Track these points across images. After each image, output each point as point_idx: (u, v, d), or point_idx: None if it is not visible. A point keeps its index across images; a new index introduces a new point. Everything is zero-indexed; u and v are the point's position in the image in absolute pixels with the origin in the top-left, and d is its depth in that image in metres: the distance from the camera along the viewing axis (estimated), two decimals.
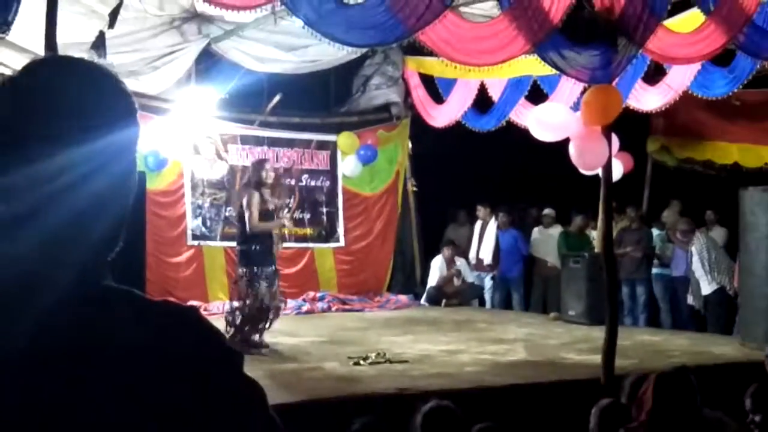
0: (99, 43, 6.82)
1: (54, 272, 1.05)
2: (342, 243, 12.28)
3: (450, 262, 12.05)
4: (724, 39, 6.80)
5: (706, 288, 10.16)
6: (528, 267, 12.33)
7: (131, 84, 5.50)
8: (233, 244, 11.26)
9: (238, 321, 7.37)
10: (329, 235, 12.18)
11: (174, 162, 10.69)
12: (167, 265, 10.88)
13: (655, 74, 9.28)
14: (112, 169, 1.10)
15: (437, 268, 12.18)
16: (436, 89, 11.53)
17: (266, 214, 7.88)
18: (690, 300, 10.50)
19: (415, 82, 12.02)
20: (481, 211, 12.23)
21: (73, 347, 1.04)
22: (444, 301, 11.91)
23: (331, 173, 12.26)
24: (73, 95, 1.09)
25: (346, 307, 11.53)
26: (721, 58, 8.03)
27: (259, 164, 8.25)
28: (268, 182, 7.96)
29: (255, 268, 7.68)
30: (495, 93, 10.53)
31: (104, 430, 1.03)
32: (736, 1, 6.64)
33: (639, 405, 3.93)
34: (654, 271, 11.16)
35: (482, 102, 10.81)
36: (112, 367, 1.04)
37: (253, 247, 7.77)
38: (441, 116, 11.45)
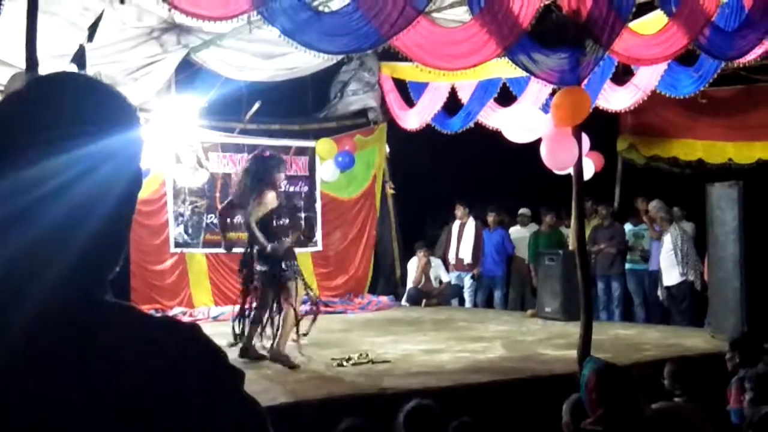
0: (79, 56, 6.87)
1: (35, 281, 1.04)
2: (320, 247, 12.39)
3: (423, 264, 12.23)
4: (686, 40, 6.95)
5: (671, 279, 10.33)
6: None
7: None
8: (216, 250, 11.38)
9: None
10: (307, 239, 12.27)
11: (156, 171, 10.77)
12: (151, 273, 10.95)
13: (623, 75, 9.47)
14: (96, 176, 1.08)
15: (413, 269, 12.37)
16: (409, 93, 11.67)
17: (268, 221, 7.14)
18: (659, 292, 10.72)
19: (388, 87, 12.17)
20: (459, 210, 12.33)
21: (56, 360, 1.02)
22: (424, 301, 12.07)
23: (310, 179, 12.36)
24: (60, 105, 1.10)
25: (329, 309, 11.61)
26: (687, 58, 8.22)
27: (276, 162, 7.36)
28: (278, 185, 7.34)
29: (283, 264, 7.06)
30: (465, 96, 10.68)
31: None
32: (697, 2, 6.82)
33: (589, 400, 4.05)
34: (627, 266, 11.32)
35: (453, 105, 10.95)
36: (101, 382, 1.02)
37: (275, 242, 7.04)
38: (412, 119, 11.60)
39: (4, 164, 1.07)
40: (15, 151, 1.07)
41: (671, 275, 10.31)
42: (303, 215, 12.09)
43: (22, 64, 5.65)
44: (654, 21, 7.45)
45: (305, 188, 12.30)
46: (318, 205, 12.44)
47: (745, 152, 11.84)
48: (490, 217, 12.38)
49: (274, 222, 7.23)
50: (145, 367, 1.05)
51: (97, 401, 1.01)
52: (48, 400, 1.01)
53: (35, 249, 1.06)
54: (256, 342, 7.31)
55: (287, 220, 11.85)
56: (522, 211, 12.49)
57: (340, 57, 9.51)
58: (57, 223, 1.06)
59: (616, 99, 9.63)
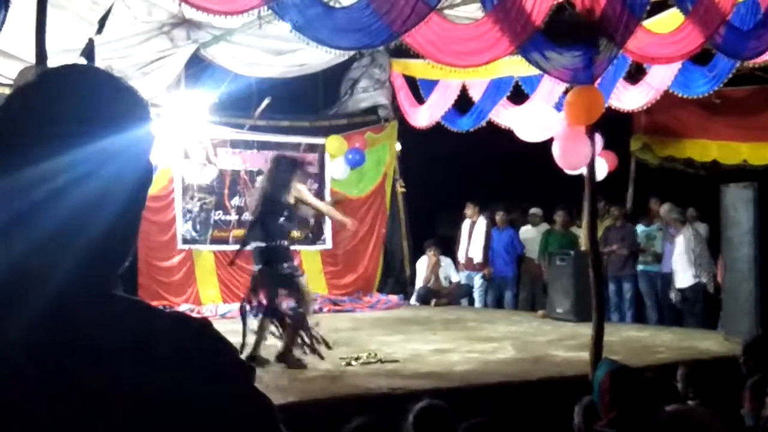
0: (88, 50, 6.85)
1: (45, 276, 1.04)
2: (329, 245, 12.36)
3: (433, 263, 12.19)
4: (702, 39, 6.89)
5: (684, 281, 10.30)
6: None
7: None
8: (223, 247, 11.37)
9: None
10: (316, 237, 12.25)
11: (164, 167, 10.76)
12: (158, 270, 10.96)
13: (636, 74, 9.39)
14: (105, 172, 1.07)
15: (423, 268, 12.34)
16: (420, 91, 11.63)
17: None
18: (671, 294, 10.65)
19: (399, 84, 12.13)
20: (469, 209, 12.32)
21: (65, 353, 1.02)
22: (434, 300, 12.04)
23: (320, 176, 12.34)
24: (69, 99, 1.09)
25: (338, 308, 11.62)
26: (702, 58, 8.14)
27: (293, 165, 7.39)
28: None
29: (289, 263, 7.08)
30: (476, 94, 10.63)
31: None
32: (713, 1, 6.75)
33: (603, 402, 4.01)
34: (639, 267, 11.29)
35: (464, 103, 10.91)
36: (110, 376, 1.02)
37: (281, 243, 7.07)
38: (421, 116, 11.56)
39: (14, 159, 1.06)
40: (25, 146, 1.07)
41: (684, 277, 10.26)
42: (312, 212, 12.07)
43: (31, 58, 5.64)
44: (669, 19, 7.40)
45: (315, 185, 12.26)
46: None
47: (761, 153, 11.76)
48: (499, 217, 12.33)
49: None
50: (154, 361, 1.04)
51: (105, 396, 1.01)
52: (57, 396, 1.00)
53: (45, 245, 1.05)
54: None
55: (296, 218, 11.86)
56: (533, 210, 12.44)
57: (350, 53, 9.47)
58: (67, 218, 1.05)
59: (628, 98, 9.56)
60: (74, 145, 1.06)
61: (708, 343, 8.09)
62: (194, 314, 10.30)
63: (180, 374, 1.04)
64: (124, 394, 1.01)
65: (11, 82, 7.51)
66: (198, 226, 11.37)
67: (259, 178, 7.94)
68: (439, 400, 4.36)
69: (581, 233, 10.67)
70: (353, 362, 7.02)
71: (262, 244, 7.03)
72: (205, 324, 1.13)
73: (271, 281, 7.03)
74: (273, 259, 7.00)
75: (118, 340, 1.04)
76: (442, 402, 4.33)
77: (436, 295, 12.16)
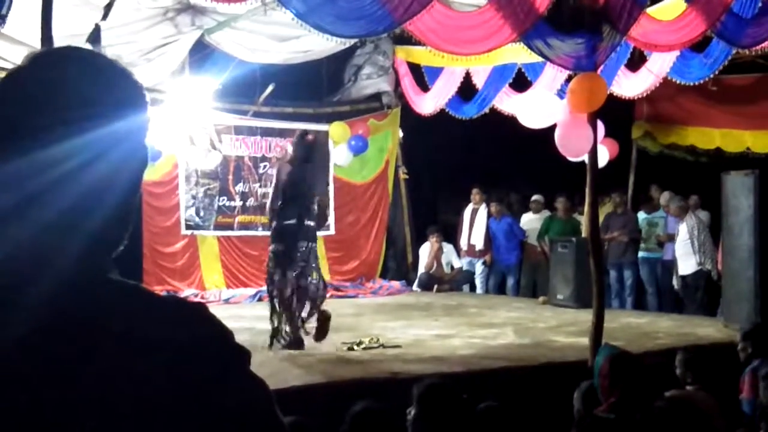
0: (95, 36, 6.86)
1: (50, 260, 1.04)
2: (332, 231, 12.40)
3: (435, 249, 12.22)
4: (704, 26, 6.89)
5: (687, 267, 10.30)
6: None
7: None
8: (227, 233, 11.42)
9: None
10: (319, 223, 12.27)
11: (168, 153, 10.78)
12: (162, 255, 11.01)
13: (638, 61, 9.38)
14: (110, 157, 1.08)
15: (425, 254, 12.37)
16: (424, 78, 11.62)
17: None
18: (674, 281, 10.67)
19: (403, 71, 12.12)
20: (477, 195, 12.30)
21: (72, 338, 1.02)
22: (435, 286, 12.09)
23: (323, 162, 12.36)
24: (72, 84, 1.08)
25: (340, 293, 11.64)
26: (697, 44, 8.13)
27: (308, 141, 7.57)
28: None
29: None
30: (480, 81, 10.61)
31: (105, 423, 1.00)
32: None
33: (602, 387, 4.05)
34: (640, 254, 11.30)
35: (467, 90, 10.89)
36: (115, 361, 1.02)
37: (306, 223, 7.25)
38: (426, 104, 11.54)
39: (11, 146, 1.06)
40: (21, 135, 1.06)
41: (687, 264, 10.28)
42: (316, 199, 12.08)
43: (37, 44, 5.65)
44: (672, 7, 7.38)
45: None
46: (331, 189, 12.44)
47: (764, 141, 11.75)
48: (493, 208, 12.27)
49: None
50: (153, 345, 1.04)
51: (105, 382, 1.01)
52: (59, 383, 1.00)
53: (51, 229, 1.05)
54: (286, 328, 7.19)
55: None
56: (535, 197, 12.40)
57: (353, 41, 9.47)
58: (72, 203, 1.05)
59: (628, 85, 9.55)
60: (75, 133, 1.06)
61: (707, 329, 8.12)
62: (198, 299, 10.37)
63: (176, 358, 1.04)
64: (123, 379, 1.01)
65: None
66: (202, 212, 11.41)
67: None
68: (440, 379, 4.37)
69: (583, 220, 10.67)
70: (355, 347, 7.05)
71: (283, 223, 7.11)
72: (201, 307, 1.13)
73: (289, 261, 7.06)
74: (291, 238, 7.06)
75: (118, 326, 1.04)
76: (443, 380, 4.35)
77: (438, 281, 12.21)
